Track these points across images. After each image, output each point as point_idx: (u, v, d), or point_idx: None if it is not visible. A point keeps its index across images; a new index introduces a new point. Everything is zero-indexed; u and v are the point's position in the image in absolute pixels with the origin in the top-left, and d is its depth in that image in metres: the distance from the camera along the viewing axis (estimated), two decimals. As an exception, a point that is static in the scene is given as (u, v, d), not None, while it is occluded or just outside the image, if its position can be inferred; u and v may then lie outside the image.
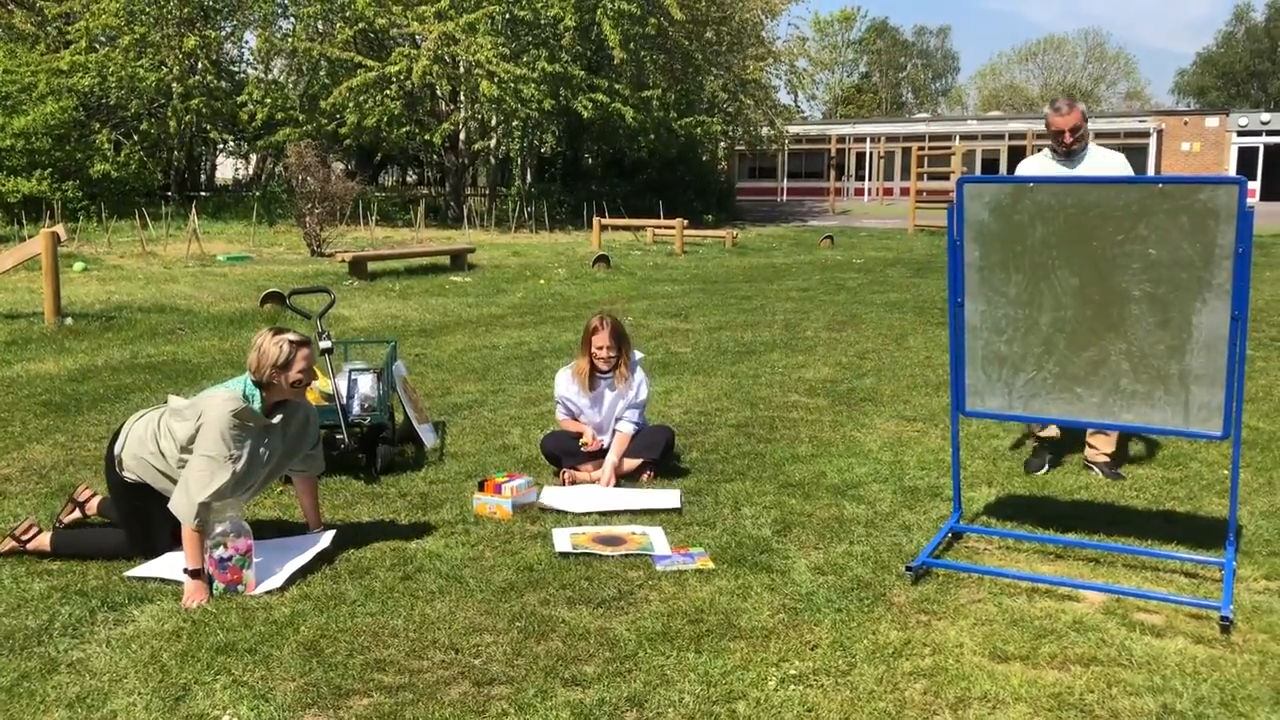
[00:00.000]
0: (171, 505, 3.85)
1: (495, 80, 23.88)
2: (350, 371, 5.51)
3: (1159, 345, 3.76)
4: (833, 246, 21.96)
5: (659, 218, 25.17)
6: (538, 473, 5.26)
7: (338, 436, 5.19)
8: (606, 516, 4.67)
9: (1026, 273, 3.90)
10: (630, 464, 5.24)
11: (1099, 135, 41.93)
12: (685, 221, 21.58)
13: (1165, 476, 5.27)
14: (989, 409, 4.16)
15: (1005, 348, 4.02)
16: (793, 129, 37.59)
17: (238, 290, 12.82)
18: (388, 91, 24.95)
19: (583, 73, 25.97)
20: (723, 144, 34.61)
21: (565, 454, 5.29)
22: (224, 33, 29.84)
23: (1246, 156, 41.34)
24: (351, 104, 24.90)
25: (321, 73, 26.32)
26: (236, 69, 31.82)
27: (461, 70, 25.67)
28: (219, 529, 3.79)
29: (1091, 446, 5.33)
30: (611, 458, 5.16)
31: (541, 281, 14.67)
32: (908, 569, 3.95)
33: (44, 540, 4.12)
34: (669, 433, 5.42)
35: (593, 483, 5.14)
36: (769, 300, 12.69)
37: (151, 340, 9.36)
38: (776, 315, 11.29)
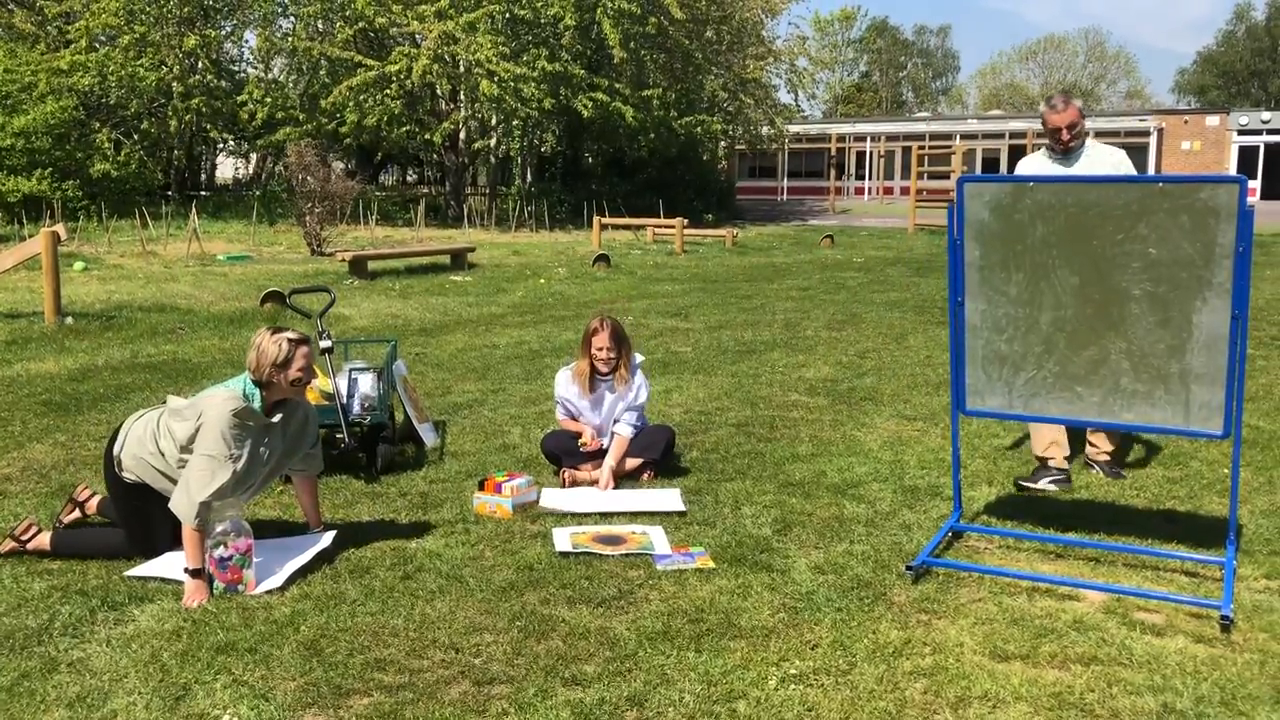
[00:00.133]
0: (172, 505, 3.85)
1: (495, 79, 23.88)
2: (350, 371, 5.51)
3: (1159, 344, 3.76)
4: (833, 246, 21.96)
5: (659, 217, 25.17)
6: (538, 472, 5.26)
7: (338, 436, 5.19)
8: (607, 516, 4.67)
9: (1027, 272, 3.90)
10: (631, 464, 5.24)
11: (1100, 134, 41.91)
12: (685, 221, 21.58)
13: (1165, 476, 5.26)
14: (989, 408, 4.15)
15: (1005, 347, 4.02)
16: (793, 128, 37.57)
17: (238, 290, 12.82)
18: (388, 91, 24.95)
19: (583, 72, 25.97)
20: (723, 143, 34.60)
21: (565, 454, 5.29)
22: (224, 32, 29.86)
23: (1247, 155, 41.32)
24: (351, 103, 24.90)
25: (322, 72, 26.32)
26: (237, 68, 31.85)
27: (461, 69, 25.66)
28: (219, 528, 3.79)
29: (1092, 445, 5.32)
30: (610, 461, 5.14)
31: (542, 281, 14.67)
32: (908, 568, 3.95)
33: (44, 540, 4.12)
34: (669, 432, 5.42)
35: (593, 483, 5.14)
36: (769, 299, 12.69)
37: (152, 340, 9.37)
38: (777, 314, 11.29)
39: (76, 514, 4.46)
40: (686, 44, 27.94)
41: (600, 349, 5.27)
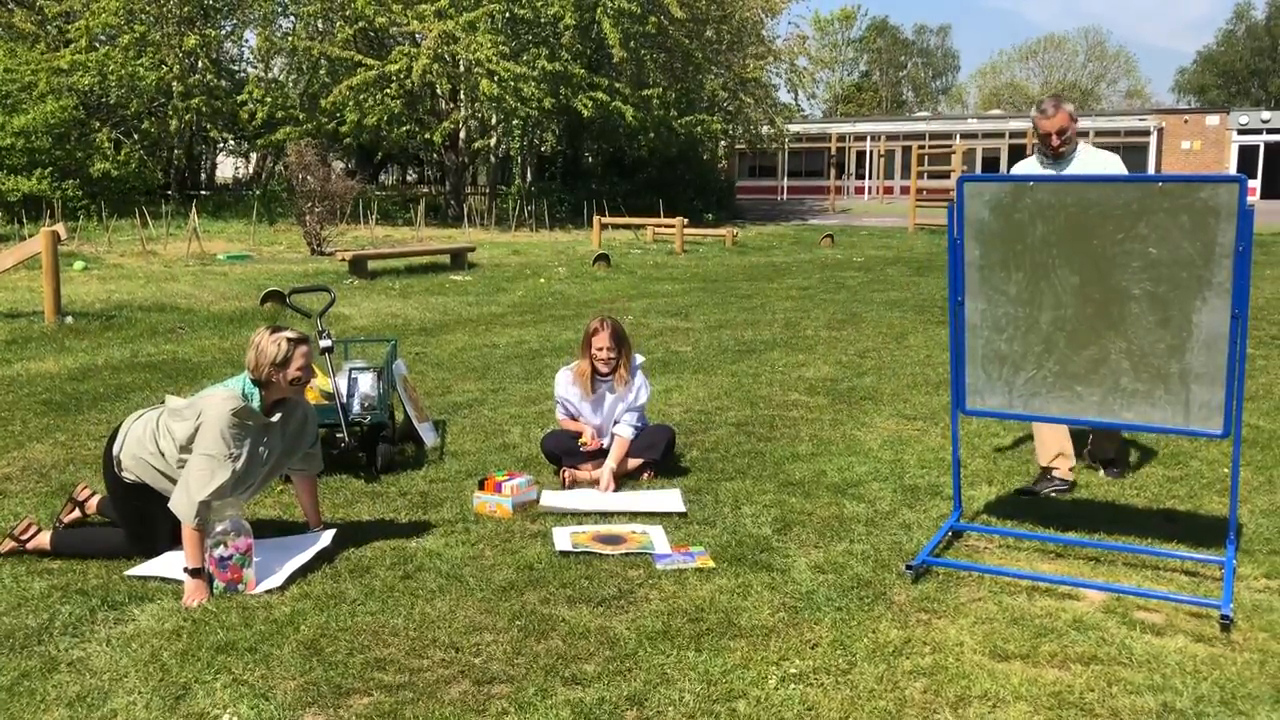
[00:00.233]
0: (171, 504, 3.85)
1: (495, 79, 23.88)
2: (350, 370, 5.51)
3: (1159, 344, 3.76)
4: (833, 245, 21.96)
5: (659, 216, 25.16)
6: (538, 471, 5.26)
7: (338, 435, 5.19)
8: (607, 515, 4.67)
9: (1027, 271, 3.90)
10: (631, 463, 5.24)
11: (1100, 133, 41.94)
12: (685, 220, 21.58)
13: (1165, 475, 5.26)
14: (989, 408, 4.15)
15: (1005, 346, 4.02)
16: (793, 127, 37.52)
17: (238, 289, 12.82)
18: (388, 90, 24.95)
19: (583, 71, 25.97)
20: (723, 143, 34.62)
21: (565, 453, 5.29)
22: (224, 31, 29.87)
23: (1247, 155, 41.32)
24: (351, 103, 24.90)
25: (321, 71, 26.32)
26: (237, 68, 31.85)
27: (461, 69, 25.67)
28: (219, 528, 3.79)
29: (1094, 444, 5.32)
30: (610, 463, 5.13)
31: (541, 280, 14.67)
32: (908, 567, 3.95)
33: (43, 539, 4.12)
34: (670, 432, 5.42)
35: (593, 483, 5.14)
36: (769, 299, 12.69)
37: (152, 339, 9.37)
38: (777, 314, 11.29)
39: (76, 514, 4.46)
40: (686, 43, 27.94)
41: (600, 349, 5.27)
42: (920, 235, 25.15)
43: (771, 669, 3.23)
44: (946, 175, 29.23)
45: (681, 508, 4.73)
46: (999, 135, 43.61)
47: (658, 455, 5.26)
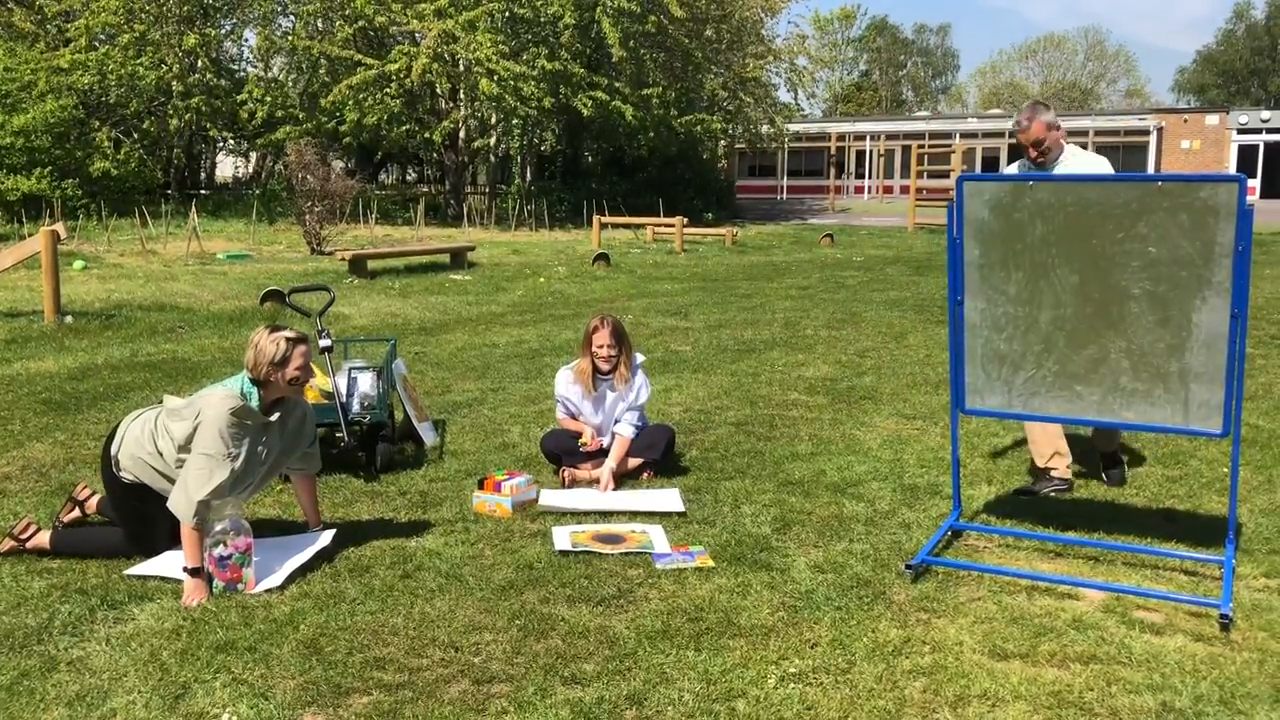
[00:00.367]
0: (170, 504, 3.85)
1: (495, 78, 23.88)
2: (350, 370, 5.51)
3: (1159, 343, 3.76)
4: (833, 245, 21.96)
5: (659, 216, 25.16)
6: (537, 471, 5.26)
7: (337, 435, 5.19)
8: (606, 515, 4.67)
9: (1026, 271, 3.90)
10: (631, 463, 5.24)
11: (1100, 133, 41.94)
12: (685, 219, 21.58)
13: (1165, 474, 5.27)
14: (989, 407, 4.15)
15: (1005, 346, 4.02)
16: (793, 127, 37.50)
17: (237, 288, 12.82)
18: (387, 90, 24.95)
19: (582, 71, 25.97)
20: (722, 142, 34.61)
21: (565, 453, 5.29)
22: (224, 31, 29.87)
23: (1246, 154, 41.32)
24: (351, 102, 24.90)
25: (321, 71, 26.32)
26: (236, 67, 31.85)
27: (461, 68, 25.66)
28: (219, 527, 3.79)
29: (1095, 436, 5.25)
30: (610, 463, 5.13)
31: (541, 280, 14.67)
32: (907, 567, 3.95)
33: (43, 539, 4.12)
34: (669, 432, 5.42)
35: (593, 482, 5.14)
36: (769, 298, 12.69)
37: (151, 338, 9.37)
38: (776, 313, 11.29)
39: (76, 513, 4.46)
40: (686, 43, 27.93)
41: (601, 346, 5.27)
42: (920, 235, 25.15)
43: (771, 668, 3.23)
44: (946, 175, 29.23)
45: (681, 507, 4.73)
46: (999, 135, 43.58)
47: (657, 455, 5.26)
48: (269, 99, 26.14)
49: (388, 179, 44.28)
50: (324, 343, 5.31)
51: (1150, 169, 39.71)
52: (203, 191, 33.70)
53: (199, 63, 27.64)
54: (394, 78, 24.62)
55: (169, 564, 3.96)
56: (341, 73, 25.42)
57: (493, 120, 28.14)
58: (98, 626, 3.52)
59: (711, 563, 4.08)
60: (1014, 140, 4.95)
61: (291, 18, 27.72)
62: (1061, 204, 3.77)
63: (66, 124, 24.68)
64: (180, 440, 3.92)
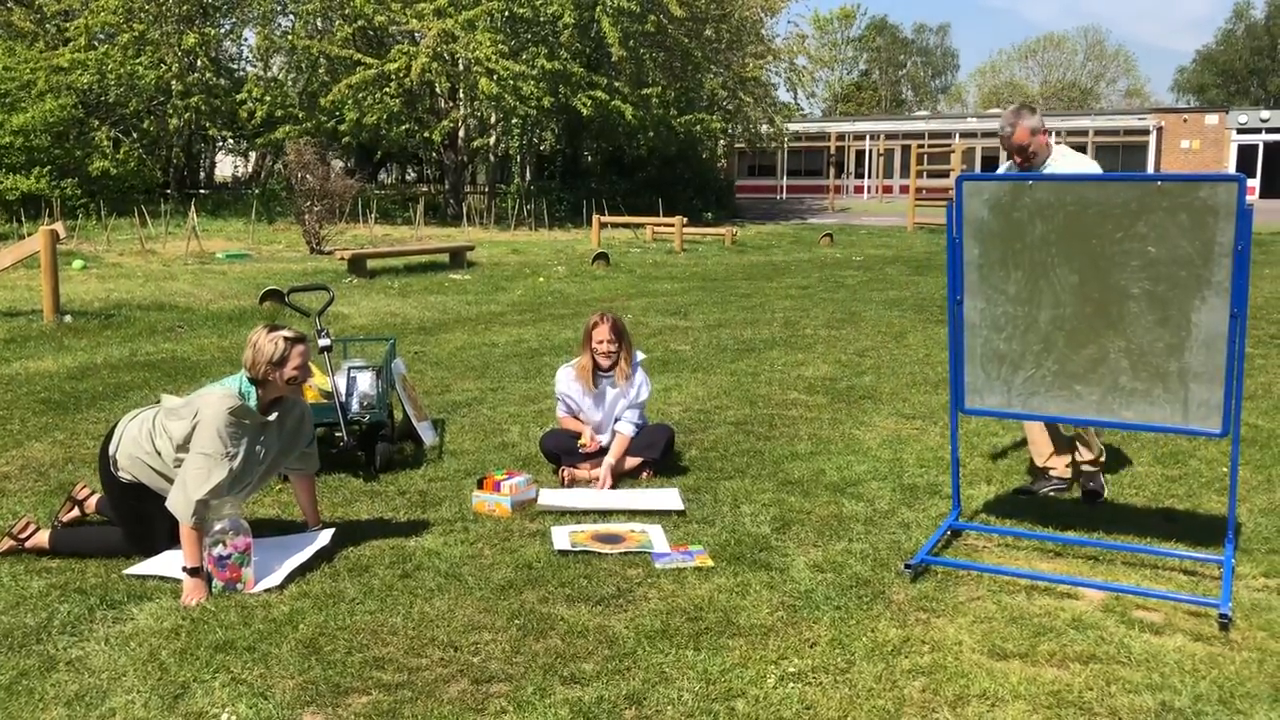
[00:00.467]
0: (169, 504, 3.85)
1: (494, 78, 23.87)
2: (349, 369, 5.51)
3: (1158, 343, 3.76)
4: (832, 244, 21.96)
5: (658, 215, 25.15)
6: (537, 470, 5.26)
7: (337, 434, 5.19)
8: (605, 514, 4.67)
9: (1026, 270, 3.90)
10: (630, 462, 5.24)
11: (1099, 133, 41.93)
12: (685, 219, 21.58)
13: (1164, 474, 5.27)
14: (988, 407, 4.15)
15: (1004, 345, 4.02)
16: (792, 127, 37.49)
17: (237, 288, 12.82)
18: (387, 89, 24.94)
19: (582, 70, 25.95)
20: (722, 142, 34.58)
21: (564, 452, 5.29)
22: (223, 30, 29.86)
23: (1246, 154, 41.31)
24: (351, 101, 24.89)
25: (321, 70, 26.31)
26: (236, 66, 31.84)
27: (461, 68, 25.66)
28: (218, 526, 3.79)
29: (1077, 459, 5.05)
30: (609, 460, 5.15)
31: (541, 279, 14.66)
32: (907, 566, 3.95)
33: (42, 538, 4.12)
34: (669, 432, 5.42)
35: (592, 481, 5.14)
36: (768, 298, 12.69)
37: (150, 338, 9.36)
38: (776, 313, 11.29)
39: (75, 513, 4.46)
40: (686, 42, 27.92)
41: (601, 341, 5.28)
42: (919, 234, 25.15)
43: (770, 668, 3.23)
44: (945, 174, 29.23)
45: (680, 506, 4.73)
46: (998, 134, 43.54)
47: (657, 454, 5.26)
48: (268, 98, 26.13)
49: (387, 178, 44.28)
50: (323, 342, 5.31)
51: (1150, 169, 39.71)
52: (202, 191, 33.70)
53: (198, 62, 27.63)
54: (393, 77, 24.61)
55: (168, 563, 3.96)
56: (341, 72, 25.41)
57: (492, 120, 28.13)
58: (97, 626, 3.52)
59: (711, 562, 4.08)
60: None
61: (291, 17, 27.71)
62: (1061, 203, 3.77)
63: (66, 123, 24.68)
64: (178, 440, 3.92)
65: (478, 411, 6.63)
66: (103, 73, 25.73)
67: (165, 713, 2.98)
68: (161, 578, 3.89)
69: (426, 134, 26.62)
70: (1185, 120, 42.60)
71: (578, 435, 5.34)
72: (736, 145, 36.57)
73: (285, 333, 3.98)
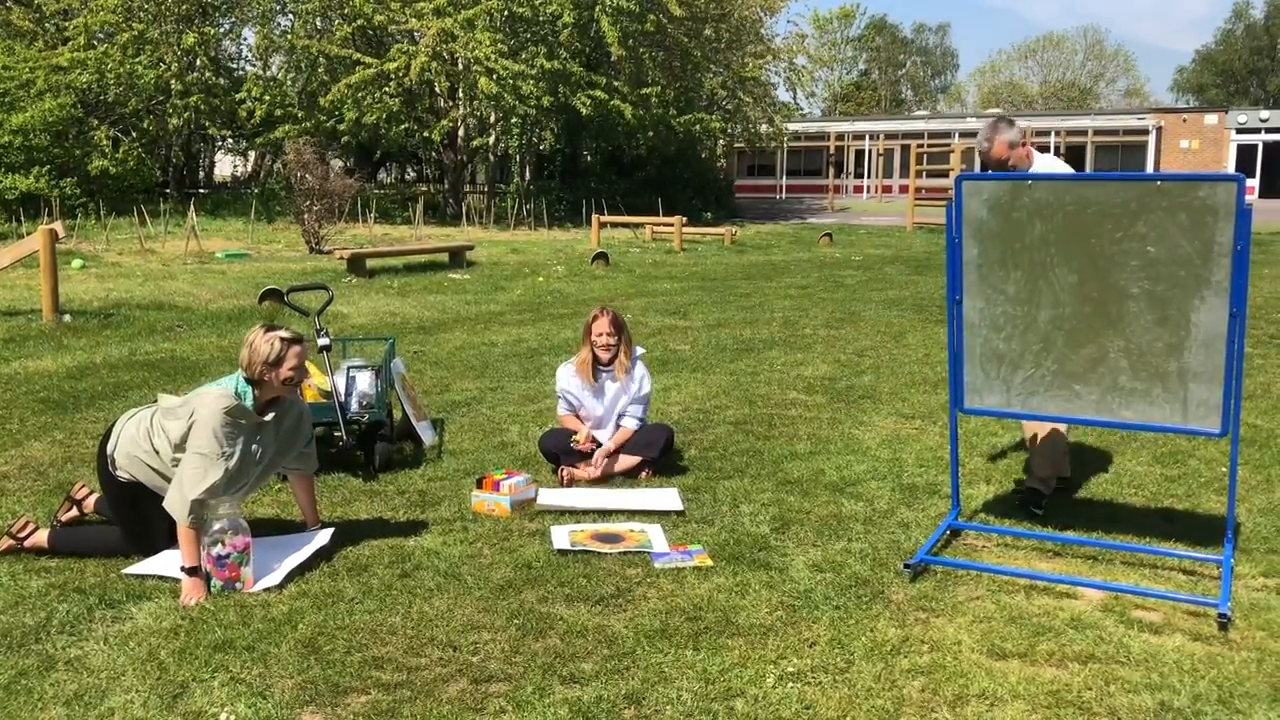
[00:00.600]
0: (166, 503, 3.85)
1: (494, 77, 23.87)
2: (348, 369, 5.51)
3: (1157, 343, 3.76)
4: (831, 244, 21.96)
5: (658, 215, 25.15)
6: (536, 470, 5.26)
7: (336, 434, 5.18)
8: (605, 514, 4.67)
9: (1025, 270, 3.90)
10: (629, 462, 5.24)
11: (1099, 132, 41.93)
12: (684, 219, 21.57)
13: (1163, 474, 5.27)
14: (987, 406, 4.15)
15: (1004, 345, 4.02)
16: (792, 126, 37.49)
17: (236, 287, 12.81)
18: (386, 89, 24.94)
19: (581, 70, 25.95)
20: (722, 141, 34.57)
21: (563, 452, 5.29)
22: (222, 29, 29.86)
23: (1245, 154, 41.31)
24: (350, 101, 24.89)
25: (320, 70, 26.30)
26: (235, 66, 31.83)
27: (460, 67, 25.65)
28: (217, 526, 3.78)
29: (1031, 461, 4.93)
30: (609, 444, 5.20)
31: (540, 279, 14.66)
32: (906, 566, 3.95)
33: (41, 537, 4.12)
34: (668, 431, 5.42)
35: (591, 481, 5.14)
36: (768, 298, 12.69)
37: (150, 338, 9.36)
38: (775, 313, 11.29)
39: (74, 512, 4.45)
40: (685, 42, 27.93)
41: (600, 335, 5.31)
42: (919, 234, 25.15)
43: (769, 668, 3.23)
44: (945, 174, 29.22)
45: (679, 506, 4.73)
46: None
47: (656, 454, 5.26)
48: (268, 98, 26.14)
49: (386, 178, 44.26)
50: (322, 342, 5.31)
51: (1149, 169, 39.72)
52: (201, 190, 33.70)
53: (198, 61, 27.63)
54: (393, 76, 24.61)
55: (167, 563, 3.96)
56: (340, 71, 25.41)
57: (491, 119, 28.12)
58: (96, 625, 3.52)
59: (710, 562, 4.08)
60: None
61: (290, 16, 27.71)
62: (1060, 203, 3.77)
63: (65, 123, 24.67)
64: (175, 439, 3.92)
65: (477, 411, 6.63)
66: (102, 72, 25.72)
67: (164, 712, 2.98)
68: (160, 577, 3.89)
69: (426, 133, 26.62)
70: (1185, 120, 42.61)
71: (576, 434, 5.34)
72: (736, 145, 36.55)
73: (282, 333, 3.98)
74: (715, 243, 21.75)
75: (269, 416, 4.03)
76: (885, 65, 75.27)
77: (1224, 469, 5.25)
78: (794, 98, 35.83)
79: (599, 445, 5.27)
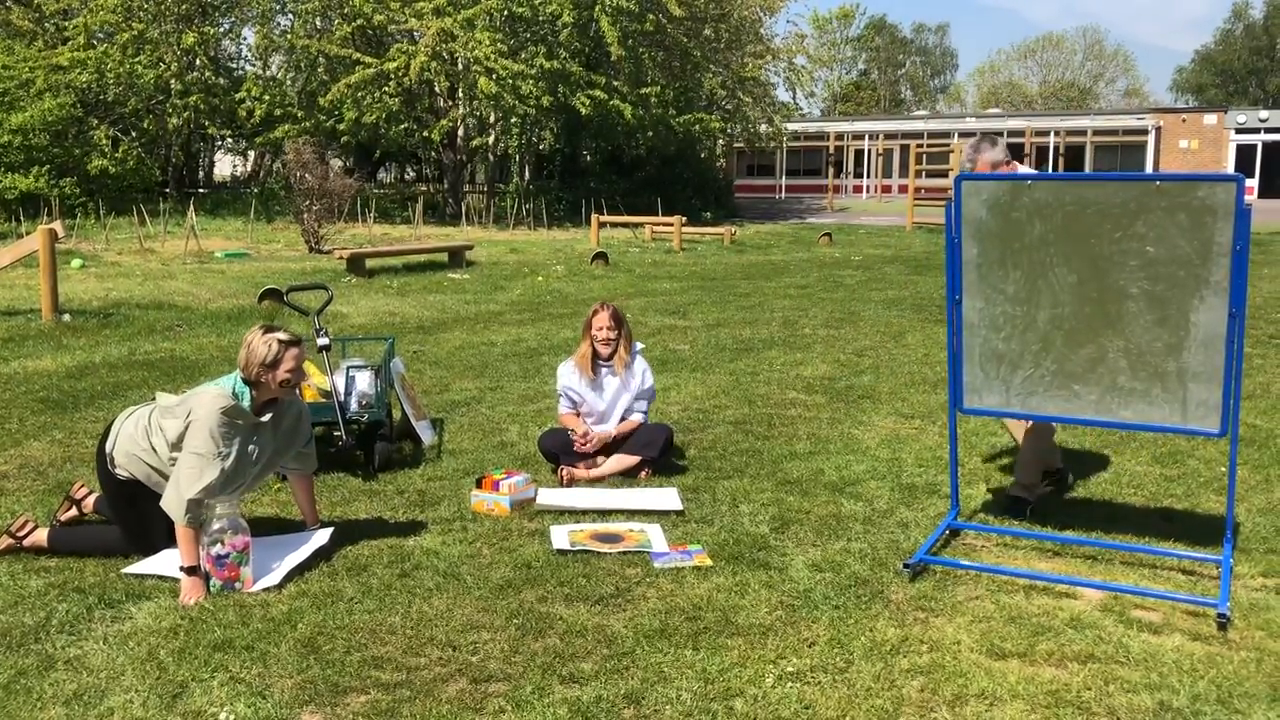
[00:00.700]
0: (163, 503, 3.85)
1: (493, 77, 23.87)
2: (348, 368, 5.51)
3: (1157, 343, 3.76)
4: (831, 244, 21.96)
5: (657, 215, 25.15)
6: (535, 470, 5.26)
7: (335, 434, 5.18)
8: (604, 514, 4.67)
9: (1024, 270, 3.90)
10: (628, 461, 5.24)
11: (1098, 132, 41.93)
12: (684, 219, 21.57)
13: (1163, 474, 5.27)
14: (987, 406, 4.16)
15: (1003, 345, 4.02)
16: (791, 126, 37.50)
17: (235, 287, 12.81)
18: (386, 88, 24.94)
19: (581, 69, 25.95)
20: (721, 141, 34.58)
21: (563, 452, 5.29)
22: (222, 29, 29.87)
23: (1244, 154, 41.32)
24: (350, 101, 24.89)
25: (320, 69, 26.30)
26: (235, 65, 31.84)
27: (460, 67, 25.65)
28: (216, 526, 3.78)
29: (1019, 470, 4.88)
30: (610, 427, 5.31)
31: (540, 279, 14.66)
32: (905, 566, 3.95)
33: (40, 536, 4.12)
34: (667, 431, 5.43)
35: (591, 482, 5.14)
36: (767, 298, 12.69)
37: (149, 337, 9.36)
38: (775, 313, 11.29)
39: (73, 512, 4.45)
40: (685, 42, 27.93)
41: (601, 328, 5.35)
42: (918, 234, 25.15)
43: (769, 667, 3.23)
44: (944, 174, 29.23)
45: (679, 506, 4.74)
46: (997, 134, 43.55)
47: (655, 453, 5.27)
48: (267, 97, 26.14)
49: (386, 177, 44.27)
50: (322, 341, 5.31)
51: (1149, 169, 39.72)
52: (201, 190, 33.68)
53: (197, 61, 27.64)
54: (392, 76, 24.61)
55: (166, 562, 3.96)
56: (340, 71, 25.41)
57: (491, 119, 28.12)
58: (95, 625, 3.52)
59: (709, 562, 4.08)
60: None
61: (290, 16, 27.71)
62: (1060, 203, 3.77)
63: (64, 122, 24.67)
64: (172, 438, 3.92)
65: (476, 411, 6.63)
66: (102, 72, 25.73)
67: (164, 712, 2.98)
68: (160, 577, 3.89)
69: (425, 133, 26.62)
70: (1184, 120, 42.61)
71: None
72: (735, 145, 36.55)
73: (280, 335, 3.97)
74: (715, 242, 21.75)
75: (266, 417, 4.03)
76: (885, 65, 75.26)
77: (1223, 469, 5.25)
78: (793, 98, 35.84)
79: (600, 447, 5.28)
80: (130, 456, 4.02)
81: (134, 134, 27.75)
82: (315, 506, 4.44)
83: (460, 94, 26.90)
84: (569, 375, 5.49)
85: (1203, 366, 3.71)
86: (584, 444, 5.26)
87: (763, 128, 33.32)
